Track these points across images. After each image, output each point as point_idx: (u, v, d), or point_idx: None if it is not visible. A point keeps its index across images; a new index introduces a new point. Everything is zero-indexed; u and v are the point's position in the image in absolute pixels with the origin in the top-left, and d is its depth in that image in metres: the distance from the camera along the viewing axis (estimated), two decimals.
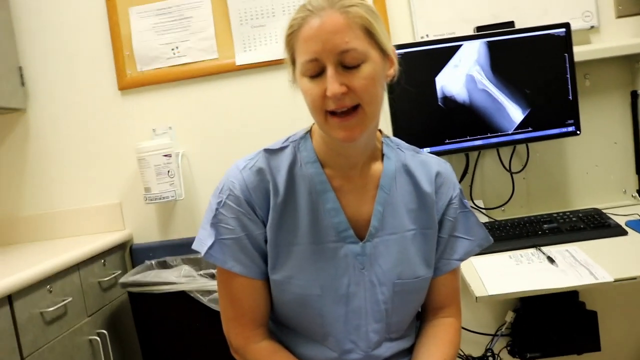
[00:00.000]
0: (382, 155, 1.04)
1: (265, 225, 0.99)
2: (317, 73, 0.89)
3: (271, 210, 0.98)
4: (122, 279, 1.73)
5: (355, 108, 0.89)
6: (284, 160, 1.01)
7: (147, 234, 2.07)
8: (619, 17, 1.89)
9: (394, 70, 0.97)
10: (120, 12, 1.98)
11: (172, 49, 1.99)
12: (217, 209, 0.98)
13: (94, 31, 2.02)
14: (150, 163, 1.89)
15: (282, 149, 1.03)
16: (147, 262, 1.89)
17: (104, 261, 1.85)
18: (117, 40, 2.00)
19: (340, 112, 0.89)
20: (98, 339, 1.67)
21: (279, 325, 1.07)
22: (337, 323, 1.00)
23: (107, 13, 1.99)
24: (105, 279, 1.82)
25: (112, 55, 2.01)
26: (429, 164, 1.07)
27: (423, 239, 1.03)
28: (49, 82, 2.05)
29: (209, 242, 0.98)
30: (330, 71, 0.87)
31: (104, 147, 2.05)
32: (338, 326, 1.00)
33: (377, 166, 1.03)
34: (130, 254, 2.04)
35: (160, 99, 2.02)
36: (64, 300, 1.55)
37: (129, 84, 2.01)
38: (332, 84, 0.86)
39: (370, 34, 0.90)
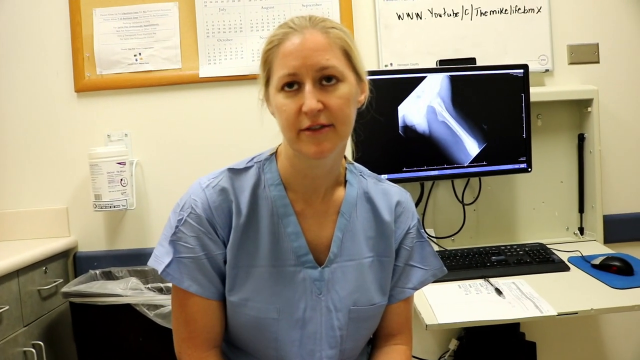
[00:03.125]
0: (345, 181, 1.05)
1: (225, 246, 0.98)
2: (293, 88, 0.88)
3: (232, 231, 0.97)
4: (65, 289, 1.66)
5: (328, 127, 0.89)
6: (248, 180, 1.00)
7: (92, 242, 1.99)
8: (571, 63, 2.00)
9: (364, 97, 0.99)
10: (84, 12, 1.92)
11: (135, 55, 1.95)
12: (177, 227, 0.96)
13: (54, 29, 1.94)
14: (103, 170, 1.83)
15: (246, 169, 1.02)
16: (91, 272, 1.83)
17: (46, 268, 1.76)
18: (77, 41, 1.93)
19: (313, 129, 0.88)
20: (33, 350, 1.59)
21: (232, 348, 1.06)
22: (291, 347, 0.99)
23: (69, 12, 1.92)
24: (46, 287, 1.73)
25: (71, 55, 1.94)
26: (389, 193, 1.08)
27: (380, 267, 1.04)
28: None
29: (167, 260, 0.95)
30: (308, 87, 0.87)
31: (54, 149, 1.97)
32: (293, 350, 1.00)
33: (339, 192, 1.04)
34: (73, 262, 1.96)
35: (118, 104, 1.97)
36: (0, 308, 1.48)
37: (86, 87, 1.94)
38: (310, 99, 0.86)
39: (348, 57, 0.92)
